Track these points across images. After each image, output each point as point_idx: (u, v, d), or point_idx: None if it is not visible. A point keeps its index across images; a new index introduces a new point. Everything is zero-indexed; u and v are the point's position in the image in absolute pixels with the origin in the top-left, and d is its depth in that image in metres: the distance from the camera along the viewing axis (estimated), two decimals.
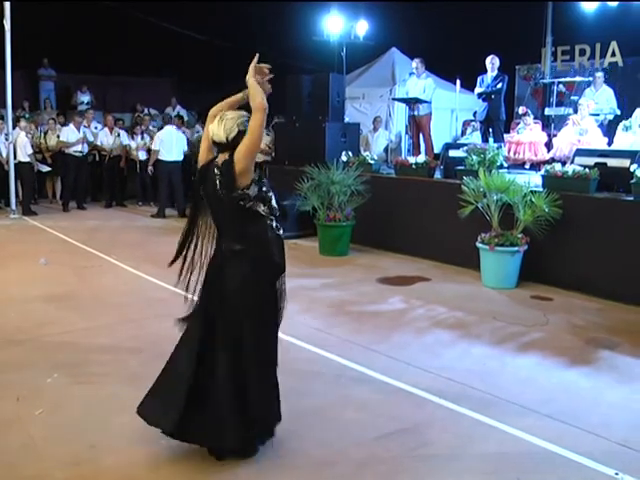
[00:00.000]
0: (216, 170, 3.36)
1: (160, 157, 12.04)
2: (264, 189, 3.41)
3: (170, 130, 12.19)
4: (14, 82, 11.90)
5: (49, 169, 12.95)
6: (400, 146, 13.01)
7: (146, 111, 16.37)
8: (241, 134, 3.31)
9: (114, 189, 13.33)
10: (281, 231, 3.51)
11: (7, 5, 11.14)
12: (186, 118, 14.98)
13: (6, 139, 11.87)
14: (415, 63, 10.83)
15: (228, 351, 3.35)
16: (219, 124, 3.34)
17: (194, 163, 4.08)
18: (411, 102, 10.72)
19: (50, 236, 9.87)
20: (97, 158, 13.39)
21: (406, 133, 11.71)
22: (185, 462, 3.39)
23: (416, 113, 10.69)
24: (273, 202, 3.46)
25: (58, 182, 13.56)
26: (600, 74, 11.10)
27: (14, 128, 11.90)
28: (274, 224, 3.45)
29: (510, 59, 12.38)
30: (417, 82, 10.73)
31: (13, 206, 11.68)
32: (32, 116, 13.63)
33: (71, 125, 12.79)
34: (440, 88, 11.24)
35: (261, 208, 3.39)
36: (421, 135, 10.89)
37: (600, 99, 10.45)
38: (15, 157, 11.76)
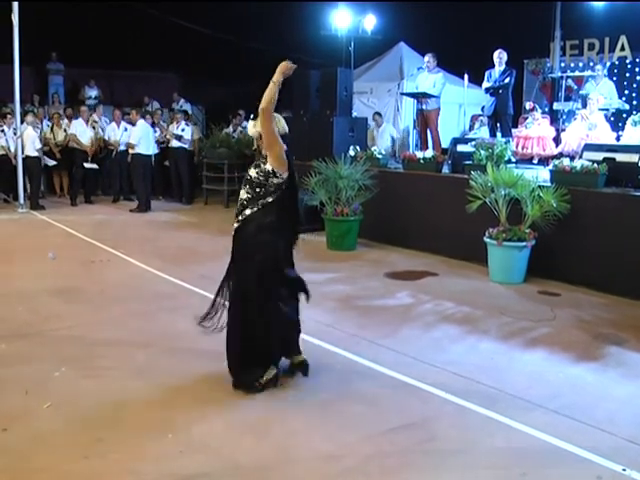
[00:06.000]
0: None
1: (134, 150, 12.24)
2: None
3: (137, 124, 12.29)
4: (23, 77, 11.93)
5: (55, 163, 12.97)
6: (408, 141, 12.98)
7: (156, 104, 16.38)
8: None
9: (122, 183, 13.36)
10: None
11: (15, 2, 11.17)
12: (190, 112, 15.01)
13: (14, 133, 11.91)
14: (427, 57, 10.77)
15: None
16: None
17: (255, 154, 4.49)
18: (419, 96, 10.68)
19: (58, 230, 9.90)
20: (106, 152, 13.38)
21: (414, 128, 11.67)
22: (192, 455, 3.40)
23: (424, 107, 10.61)
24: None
25: (66, 176, 13.60)
26: (599, 66, 11.11)
27: (22, 123, 11.94)
28: None
29: (518, 53, 12.31)
30: (428, 77, 10.67)
31: (21, 200, 11.71)
32: (34, 110, 13.60)
33: (80, 119, 12.83)
34: (448, 83, 11.18)
35: None
36: (428, 130, 10.85)
37: (601, 92, 10.38)
38: (23, 151, 11.80)
